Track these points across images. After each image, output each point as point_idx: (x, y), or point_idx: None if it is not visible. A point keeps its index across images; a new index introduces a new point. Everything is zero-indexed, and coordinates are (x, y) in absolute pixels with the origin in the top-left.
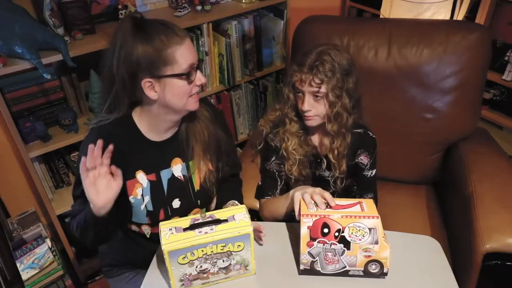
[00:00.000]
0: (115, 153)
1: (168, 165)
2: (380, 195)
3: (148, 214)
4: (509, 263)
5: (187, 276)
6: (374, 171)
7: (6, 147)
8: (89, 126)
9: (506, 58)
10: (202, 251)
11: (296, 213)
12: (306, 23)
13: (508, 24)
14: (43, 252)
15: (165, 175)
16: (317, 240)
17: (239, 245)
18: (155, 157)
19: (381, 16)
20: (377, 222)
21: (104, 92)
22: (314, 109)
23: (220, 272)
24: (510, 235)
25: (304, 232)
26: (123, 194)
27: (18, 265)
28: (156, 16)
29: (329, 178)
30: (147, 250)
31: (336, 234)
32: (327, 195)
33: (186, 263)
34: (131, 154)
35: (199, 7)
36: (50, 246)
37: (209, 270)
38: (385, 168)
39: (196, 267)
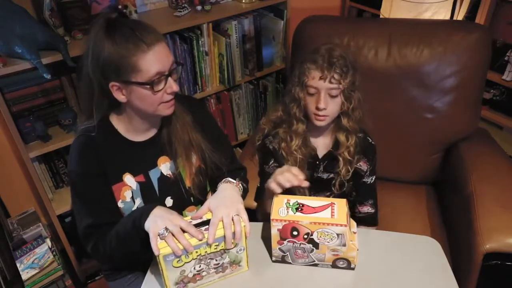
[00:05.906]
0: (98, 159)
1: (155, 164)
2: (380, 195)
3: None
4: (509, 263)
5: (182, 279)
6: (373, 178)
7: (6, 147)
8: (77, 133)
9: (506, 58)
10: (197, 252)
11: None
12: (306, 23)
13: (508, 24)
14: (43, 252)
15: (154, 174)
16: (287, 240)
17: (232, 243)
18: (140, 157)
19: (381, 16)
20: (344, 230)
21: (83, 94)
22: (328, 108)
23: (214, 272)
24: (510, 235)
25: (274, 233)
26: (112, 200)
27: (18, 265)
28: (156, 16)
29: (333, 179)
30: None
31: (305, 236)
32: (295, 169)
33: (181, 266)
34: (114, 157)
35: (199, 7)
36: (50, 246)
37: (204, 270)
38: (385, 168)
39: (192, 268)
